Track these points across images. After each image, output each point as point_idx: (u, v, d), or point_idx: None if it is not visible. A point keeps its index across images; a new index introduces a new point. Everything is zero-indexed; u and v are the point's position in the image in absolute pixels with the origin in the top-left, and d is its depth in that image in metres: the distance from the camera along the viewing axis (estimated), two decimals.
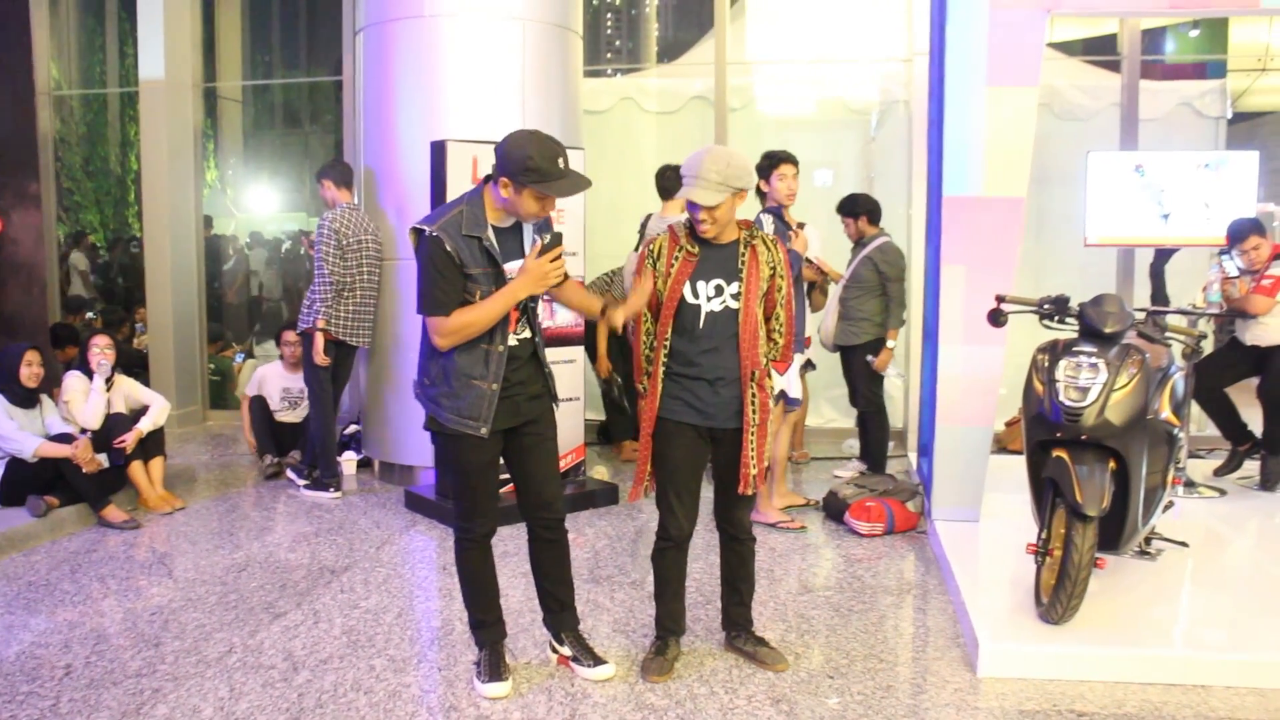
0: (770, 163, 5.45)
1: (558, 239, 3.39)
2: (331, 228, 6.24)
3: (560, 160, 3.25)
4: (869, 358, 6.46)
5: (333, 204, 6.45)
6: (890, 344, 6.45)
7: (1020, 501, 4.67)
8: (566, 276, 3.46)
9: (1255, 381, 6.18)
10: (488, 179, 3.38)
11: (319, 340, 6.24)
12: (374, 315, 6.56)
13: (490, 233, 3.34)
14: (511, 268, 3.37)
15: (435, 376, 3.44)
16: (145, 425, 6.06)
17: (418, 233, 3.35)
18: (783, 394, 5.52)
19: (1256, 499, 5.98)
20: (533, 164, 3.21)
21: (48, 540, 5.47)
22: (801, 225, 6.11)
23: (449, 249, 3.27)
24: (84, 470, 5.65)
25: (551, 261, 3.32)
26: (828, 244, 6.29)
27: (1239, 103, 9.36)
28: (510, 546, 5.06)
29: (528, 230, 3.45)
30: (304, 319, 6.36)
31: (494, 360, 3.39)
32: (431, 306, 3.32)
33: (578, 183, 3.31)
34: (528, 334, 3.53)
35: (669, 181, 6.69)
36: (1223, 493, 6.01)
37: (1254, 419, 6.25)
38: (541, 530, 3.68)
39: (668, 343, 3.58)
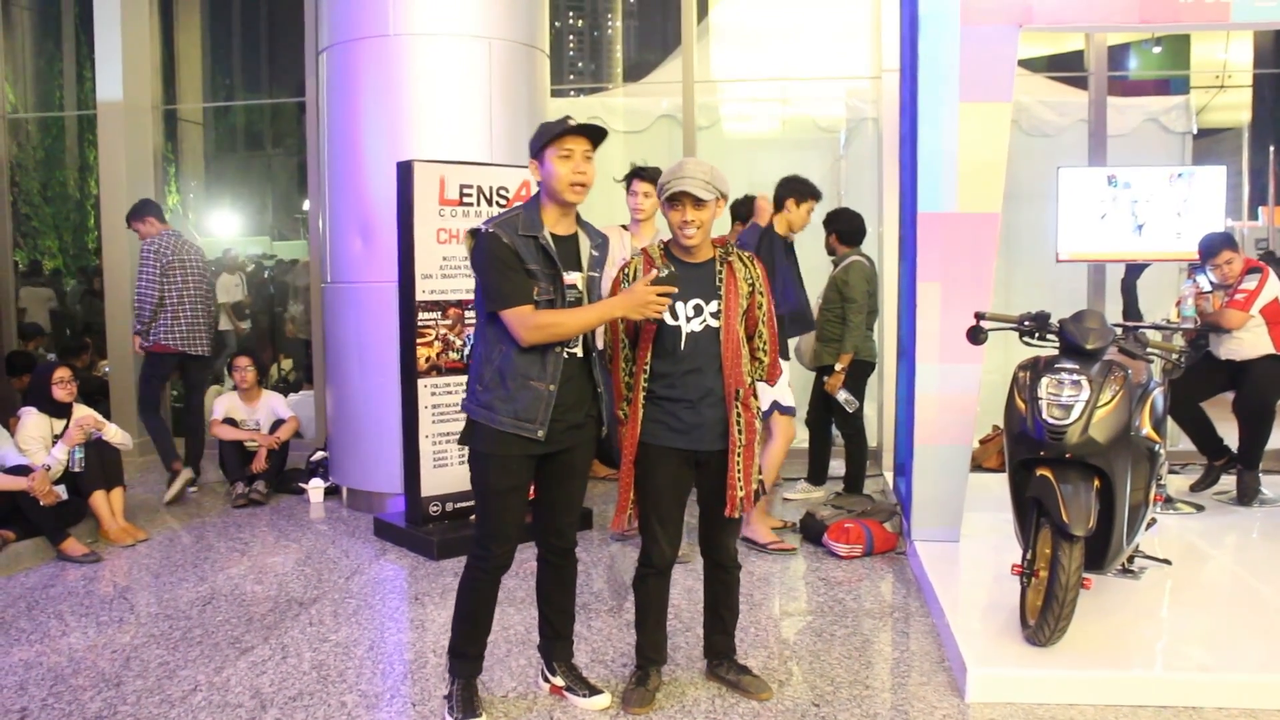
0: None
1: (673, 278, 3.38)
2: (151, 249, 6.90)
3: (568, 119, 3.40)
4: (825, 378, 6.41)
5: (155, 234, 6.96)
6: (838, 367, 6.30)
7: (1000, 520, 4.62)
8: (661, 317, 3.43)
9: (1230, 396, 6.19)
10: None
11: (135, 343, 7.09)
12: (208, 326, 7.18)
13: (547, 234, 3.37)
14: (570, 277, 3.39)
15: (490, 381, 3.38)
16: (114, 437, 6.02)
17: (474, 234, 3.38)
18: (776, 404, 5.44)
19: (1234, 514, 5.97)
20: (541, 130, 3.41)
21: (3, 576, 5.28)
22: None
23: (506, 241, 3.30)
24: (41, 503, 5.48)
25: (659, 295, 3.31)
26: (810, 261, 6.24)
27: (1200, 119, 9.43)
28: None
29: (584, 242, 3.48)
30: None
31: (551, 361, 3.37)
32: (508, 298, 3.31)
33: (588, 124, 3.40)
34: (579, 351, 3.47)
35: None
36: (1200, 508, 5.99)
37: (1229, 433, 6.25)
38: (548, 554, 3.66)
39: (648, 366, 3.50)
